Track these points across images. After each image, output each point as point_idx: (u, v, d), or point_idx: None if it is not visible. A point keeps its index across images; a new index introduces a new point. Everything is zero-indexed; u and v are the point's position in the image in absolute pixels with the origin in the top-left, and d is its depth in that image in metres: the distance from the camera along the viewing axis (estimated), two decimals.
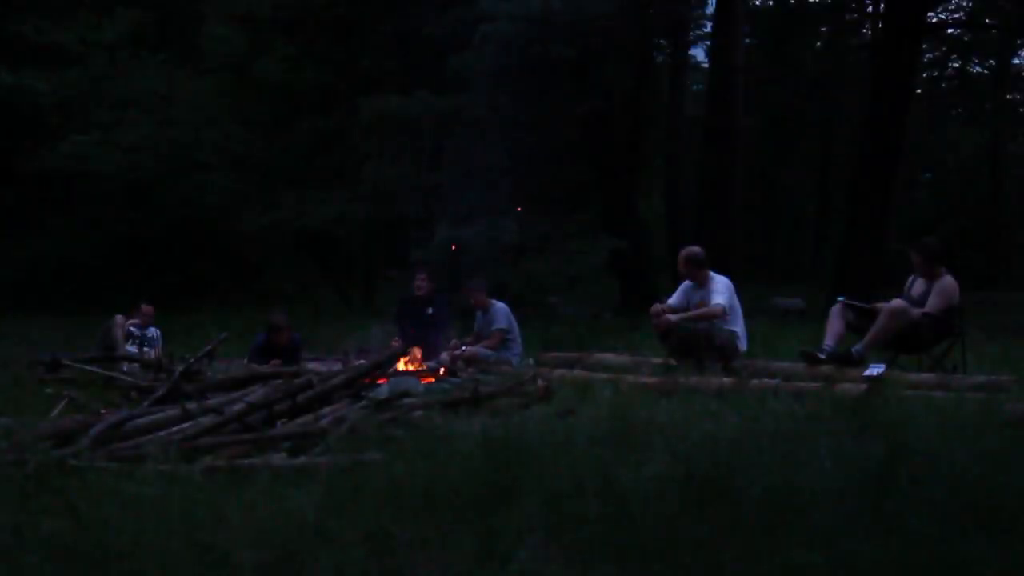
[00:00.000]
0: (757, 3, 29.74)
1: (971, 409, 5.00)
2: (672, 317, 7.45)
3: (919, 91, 26.77)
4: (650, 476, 3.74)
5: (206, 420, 5.07)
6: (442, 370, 8.17)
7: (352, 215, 16.07)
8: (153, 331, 10.40)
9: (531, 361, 8.50)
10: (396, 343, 8.86)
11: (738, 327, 7.48)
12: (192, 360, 6.65)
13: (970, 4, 27.07)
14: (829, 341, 6.78)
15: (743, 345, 7.48)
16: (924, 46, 23.58)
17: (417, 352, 8.57)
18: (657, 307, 7.56)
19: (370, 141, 16.55)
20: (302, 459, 4.48)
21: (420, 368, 8.20)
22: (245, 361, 8.54)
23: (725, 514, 3.35)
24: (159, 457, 4.35)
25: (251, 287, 20.47)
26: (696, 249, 7.79)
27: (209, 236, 19.91)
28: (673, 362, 7.35)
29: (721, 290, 7.47)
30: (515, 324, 9.06)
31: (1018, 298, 18.80)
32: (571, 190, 18.91)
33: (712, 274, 7.62)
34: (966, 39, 28.73)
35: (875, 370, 6.16)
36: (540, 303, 14.82)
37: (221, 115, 18.41)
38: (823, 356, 6.63)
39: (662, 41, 25.09)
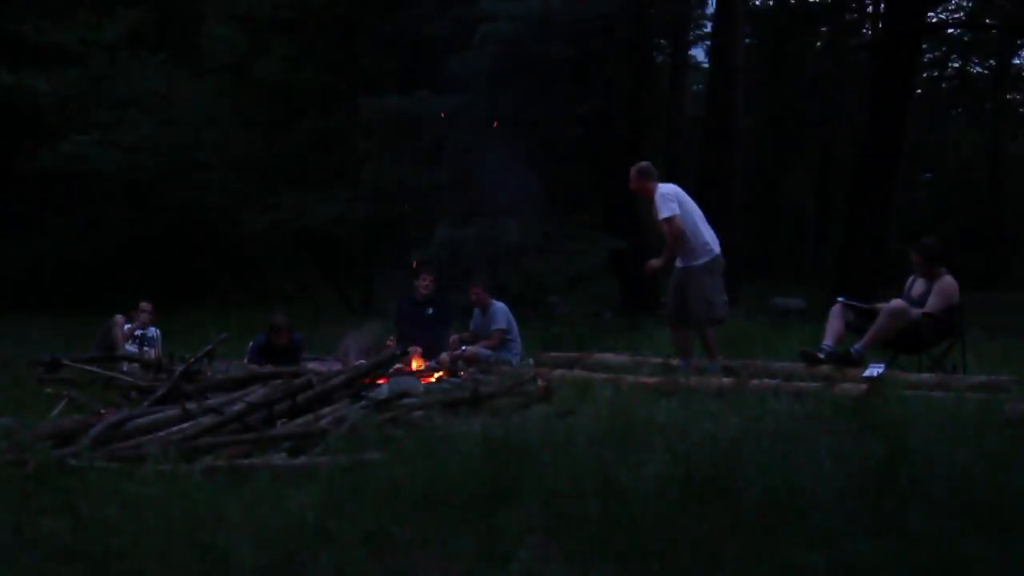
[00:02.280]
0: (757, 3, 29.74)
1: (971, 409, 5.00)
2: (654, 263, 7.47)
3: (919, 91, 26.79)
4: (650, 476, 3.73)
5: (206, 420, 5.08)
6: (442, 371, 8.16)
7: (352, 215, 16.05)
8: (153, 331, 10.41)
9: (531, 361, 8.50)
10: (391, 343, 8.86)
11: (701, 227, 7.37)
12: (192, 360, 6.65)
13: (970, 4, 27.08)
14: (828, 341, 6.78)
15: (715, 249, 7.36)
16: (924, 46, 23.57)
17: (418, 352, 8.57)
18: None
19: (370, 141, 16.51)
20: (302, 459, 4.49)
21: (420, 368, 8.20)
22: (245, 361, 8.54)
23: (725, 514, 3.35)
24: (159, 457, 4.35)
25: (251, 287, 20.47)
26: (645, 164, 7.70)
27: (209, 236, 19.91)
28: (674, 362, 7.36)
29: (668, 198, 7.32)
30: (515, 324, 9.06)
31: (1018, 298, 18.81)
32: (571, 190, 18.91)
33: (658, 186, 7.44)
34: (966, 39, 28.72)
35: (874, 370, 6.16)
36: (540, 303, 14.81)
37: (221, 115, 18.37)
38: (822, 356, 6.63)
39: (662, 41, 25.08)
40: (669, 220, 7.25)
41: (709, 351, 7.46)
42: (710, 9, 23.60)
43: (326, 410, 5.40)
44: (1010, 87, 30.89)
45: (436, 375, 7.87)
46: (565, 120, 15.16)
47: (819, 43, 30.99)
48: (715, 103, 18.78)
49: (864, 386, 5.85)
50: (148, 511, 3.56)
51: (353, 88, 16.88)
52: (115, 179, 18.32)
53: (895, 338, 6.72)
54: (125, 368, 8.37)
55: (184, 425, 5.04)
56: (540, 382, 6.41)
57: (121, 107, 18.46)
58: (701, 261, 7.35)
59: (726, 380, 6.37)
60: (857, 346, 6.64)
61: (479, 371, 7.90)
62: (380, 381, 6.44)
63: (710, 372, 6.93)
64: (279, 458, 4.51)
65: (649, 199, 7.52)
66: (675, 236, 7.28)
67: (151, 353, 9.73)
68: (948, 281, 6.82)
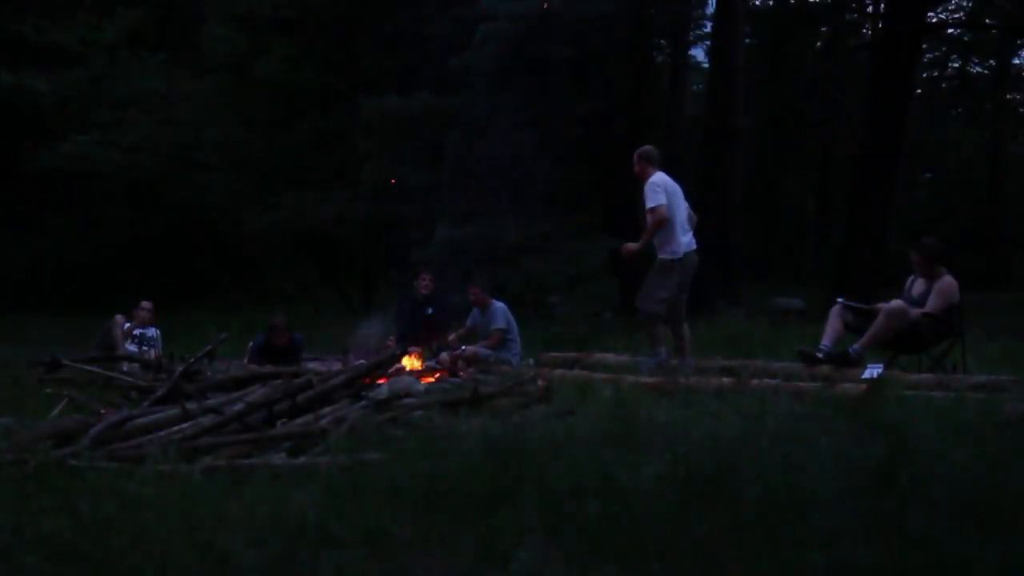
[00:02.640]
0: (757, 3, 29.74)
1: (971, 409, 5.00)
2: (631, 246, 7.65)
3: (919, 91, 26.80)
4: (650, 476, 3.73)
5: (206, 420, 5.07)
6: (442, 371, 8.15)
7: (352, 215, 16.07)
8: (153, 331, 10.40)
9: (531, 361, 8.50)
10: (391, 343, 8.86)
11: (676, 227, 7.49)
12: (192, 360, 6.65)
13: (970, 4, 27.08)
14: (826, 341, 6.79)
15: (678, 251, 7.46)
16: (924, 46, 23.58)
17: (418, 352, 8.56)
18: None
19: (370, 141, 16.53)
20: (302, 459, 4.49)
21: (420, 368, 8.19)
22: (245, 361, 8.54)
23: (725, 514, 3.35)
24: (159, 457, 4.35)
25: (251, 287, 20.49)
26: (648, 147, 7.88)
27: (209, 236, 19.92)
28: (673, 361, 7.37)
29: (657, 188, 7.47)
30: (514, 324, 9.05)
31: (1018, 298, 18.80)
32: (571, 190, 18.91)
33: (654, 172, 7.61)
34: (966, 39, 28.72)
35: (873, 371, 6.16)
36: (540, 303, 14.81)
37: (221, 115, 18.40)
38: (820, 356, 6.63)
39: (662, 41, 25.09)
40: (653, 210, 7.40)
41: (651, 343, 7.59)
42: (710, 9, 23.61)
43: (326, 410, 5.40)
44: (1010, 87, 30.87)
45: (436, 375, 7.87)
46: (565, 120, 15.17)
47: (819, 43, 30.99)
48: (715, 103, 18.77)
49: (864, 386, 5.85)
50: (148, 511, 3.56)
51: (353, 88, 16.89)
52: (115, 179, 18.35)
53: (895, 338, 6.71)
54: (125, 368, 8.37)
55: (184, 425, 5.03)
56: (540, 382, 6.42)
57: (121, 107, 18.49)
58: (661, 257, 7.56)
59: (726, 380, 6.37)
60: (856, 346, 6.64)
61: (479, 371, 7.91)
62: (380, 381, 6.44)
63: (644, 366, 7.08)
64: (279, 458, 4.51)
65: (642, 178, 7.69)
66: (655, 225, 7.42)
67: (151, 353, 9.73)
68: (948, 281, 6.82)
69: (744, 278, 18.10)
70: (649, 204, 7.43)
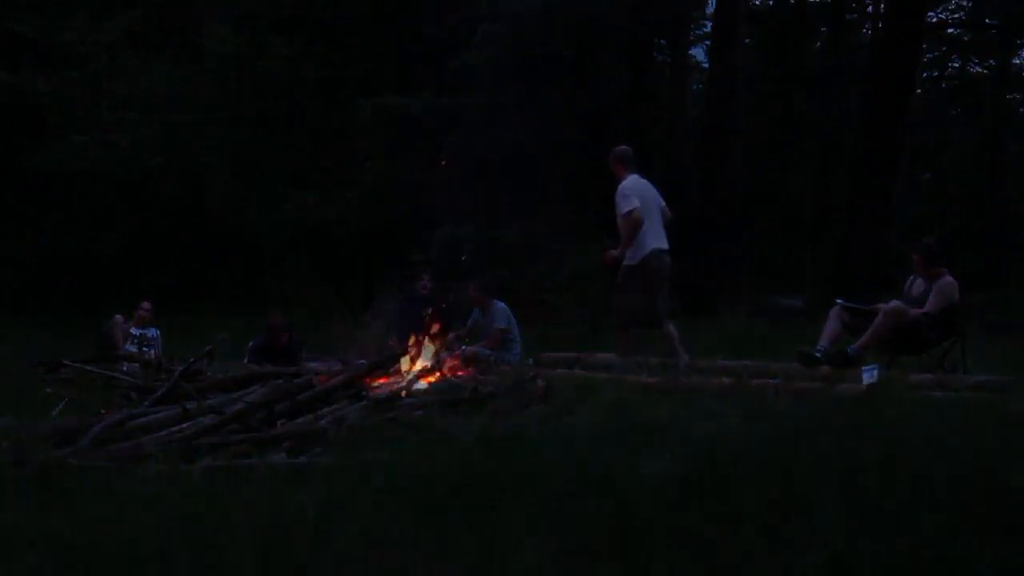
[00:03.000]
0: (757, 3, 29.72)
1: (971, 409, 5.00)
2: (613, 252, 7.66)
3: (919, 91, 26.78)
4: (650, 476, 3.73)
5: (206, 420, 5.08)
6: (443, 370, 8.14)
7: (352, 215, 16.06)
8: (153, 331, 10.40)
9: (531, 361, 8.49)
10: (393, 344, 8.85)
11: (642, 232, 7.47)
12: (192, 360, 6.65)
13: (970, 4, 27.06)
14: (824, 342, 6.80)
15: (638, 255, 7.45)
16: (924, 46, 23.56)
17: (417, 352, 8.54)
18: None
19: (370, 141, 16.52)
20: (302, 459, 4.49)
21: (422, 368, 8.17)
22: (245, 361, 8.53)
23: (725, 514, 3.35)
24: (159, 457, 4.35)
25: (251, 287, 20.46)
26: (622, 148, 7.85)
27: (209, 236, 19.90)
28: (671, 362, 7.37)
29: (626, 193, 7.49)
30: (515, 324, 9.06)
31: (1018, 298, 18.78)
32: (571, 190, 18.90)
33: (625, 179, 7.61)
34: (966, 39, 28.69)
35: (870, 372, 6.15)
36: (540, 303, 14.80)
37: (221, 115, 18.38)
38: (819, 356, 6.64)
39: (662, 41, 25.08)
40: (629, 214, 7.41)
41: (618, 349, 7.62)
42: (710, 9, 23.59)
43: (326, 410, 5.41)
44: (1010, 87, 30.82)
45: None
46: (565, 120, 15.16)
47: (819, 43, 30.96)
48: (715, 103, 18.77)
49: (864, 386, 5.85)
50: (148, 511, 3.56)
51: (353, 88, 16.87)
52: (115, 179, 18.31)
53: (896, 338, 6.72)
54: (125, 368, 8.38)
55: (184, 425, 5.04)
56: (540, 382, 6.41)
57: (121, 107, 18.46)
58: (624, 263, 7.57)
59: (726, 380, 6.37)
60: (855, 346, 6.64)
61: (479, 371, 7.90)
62: (380, 381, 6.44)
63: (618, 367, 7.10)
64: (279, 458, 4.51)
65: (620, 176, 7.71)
66: (631, 230, 7.42)
67: (151, 353, 9.73)
68: (948, 281, 6.83)
69: (744, 278, 18.09)
70: (624, 209, 7.42)
